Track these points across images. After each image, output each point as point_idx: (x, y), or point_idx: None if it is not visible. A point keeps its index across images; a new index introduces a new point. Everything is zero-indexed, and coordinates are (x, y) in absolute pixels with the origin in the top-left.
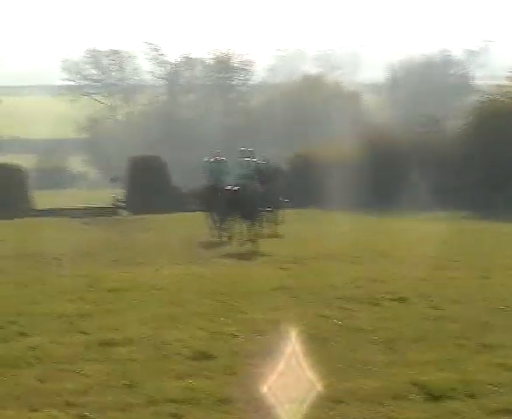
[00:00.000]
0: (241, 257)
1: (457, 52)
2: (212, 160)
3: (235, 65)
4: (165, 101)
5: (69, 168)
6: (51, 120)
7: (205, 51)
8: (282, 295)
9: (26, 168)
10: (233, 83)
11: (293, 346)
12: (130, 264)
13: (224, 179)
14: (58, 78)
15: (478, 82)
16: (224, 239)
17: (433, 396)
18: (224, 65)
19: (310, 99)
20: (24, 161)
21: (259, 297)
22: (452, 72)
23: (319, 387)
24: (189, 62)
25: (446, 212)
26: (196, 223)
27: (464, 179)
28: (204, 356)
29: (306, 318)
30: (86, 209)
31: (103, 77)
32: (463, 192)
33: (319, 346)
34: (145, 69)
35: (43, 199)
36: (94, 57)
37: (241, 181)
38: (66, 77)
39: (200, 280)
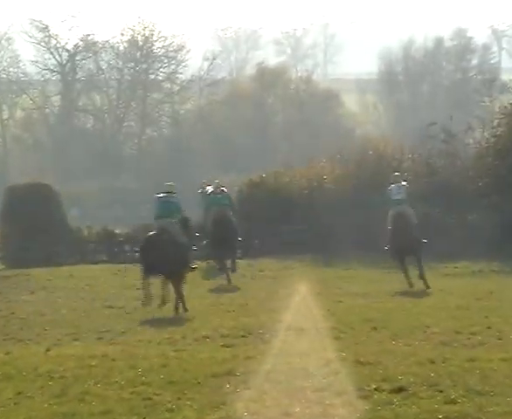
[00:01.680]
0: (175, 329)
1: (479, 34)
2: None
3: (159, 51)
4: (60, 104)
5: None
6: None
7: (116, 33)
8: (227, 384)
9: None
10: (159, 78)
11: None
12: (9, 341)
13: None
14: None
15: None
16: None
17: None
18: (144, 52)
19: (268, 99)
20: None
21: (195, 388)
22: (473, 62)
23: None
24: (92, 47)
25: (478, 264)
26: (104, 279)
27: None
28: None
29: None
30: None
31: None
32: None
33: None
34: (28, 58)
35: None
36: None
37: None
38: None
39: (108, 364)
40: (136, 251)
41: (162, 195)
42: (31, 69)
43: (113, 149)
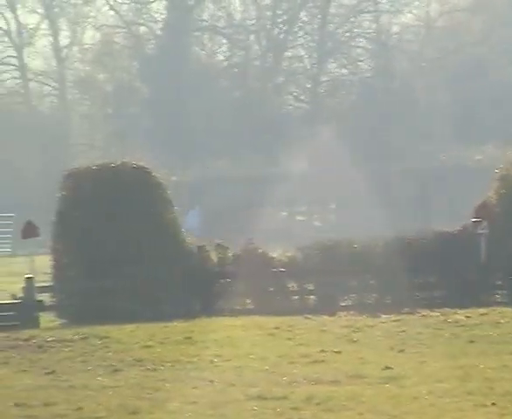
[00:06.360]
0: None
1: None
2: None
3: None
4: (166, 18)
5: None
6: None
7: None
8: None
9: None
10: None
11: None
12: None
13: None
14: None
15: None
16: None
17: None
18: None
19: None
20: None
21: None
22: None
23: None
24: None
25: None
26: (250, 346)
27: None
28: None
29: None
30: None
31: None
32: None
33: None
34: None
35: None
36: None
37: None
38: None
39: None
40: None
41: None
42: None
43: (269, 107)
